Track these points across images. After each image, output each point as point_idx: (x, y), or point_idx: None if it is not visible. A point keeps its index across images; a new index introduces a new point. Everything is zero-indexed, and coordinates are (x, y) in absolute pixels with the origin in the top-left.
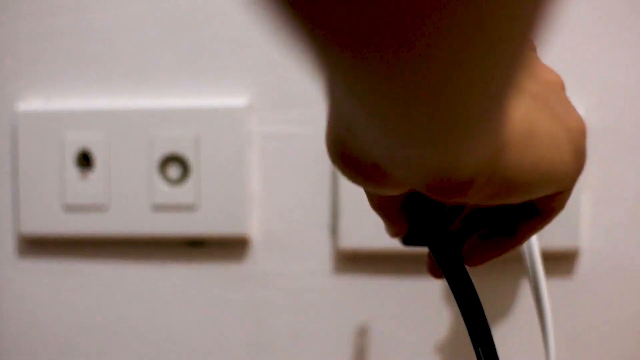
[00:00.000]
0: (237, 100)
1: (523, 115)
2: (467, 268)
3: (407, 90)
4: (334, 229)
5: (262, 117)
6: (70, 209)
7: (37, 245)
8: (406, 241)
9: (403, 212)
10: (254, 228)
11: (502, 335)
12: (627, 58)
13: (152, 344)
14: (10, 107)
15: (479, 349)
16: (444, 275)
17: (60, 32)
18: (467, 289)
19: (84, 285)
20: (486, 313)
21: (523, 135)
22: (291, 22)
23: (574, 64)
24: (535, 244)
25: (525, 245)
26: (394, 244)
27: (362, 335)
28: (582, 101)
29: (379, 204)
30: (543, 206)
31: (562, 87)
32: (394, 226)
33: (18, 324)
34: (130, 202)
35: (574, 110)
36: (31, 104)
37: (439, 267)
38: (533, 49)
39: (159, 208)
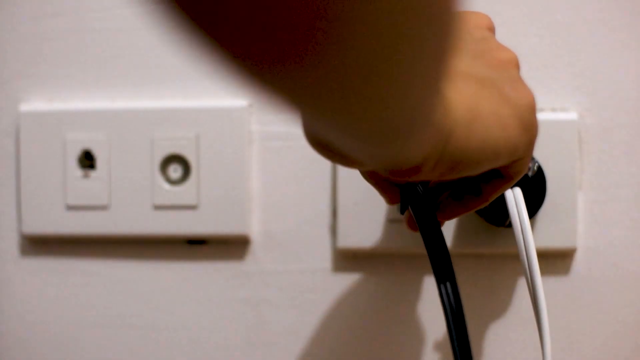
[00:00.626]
0: (237, 100)
1: (467, 101)
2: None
3: (330, 99)
4: (333, 229)
5: (262, 117)
6: (72, 208)
7: (40, 245)
8: (402, 209)
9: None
10: (254, 227)
11: (498, 333)
12: (622, 59)
13: (153, 342)
14: (12, 108)
15: (442, 286)
16: (418, 225)
17: (62, 32)
18: (437, 236)
19: (86, 284)
20: (483, 311)
21: (468, 119)
22: (211, 48)
23: (570, 64)
24: (531, 243)
25: (521, 243)
26: (393, 244)
27: (361, 334)
28: (578, 101)
29: (369, 175)
30: (504, 171)
31: (515, 65)
32: (386, 194)
33: (20, 322)
34: (132, 201)
35: (523, 87)
36: (33, 104)
37: (415, 221)
38: (482, 37)
39: (159, 207)
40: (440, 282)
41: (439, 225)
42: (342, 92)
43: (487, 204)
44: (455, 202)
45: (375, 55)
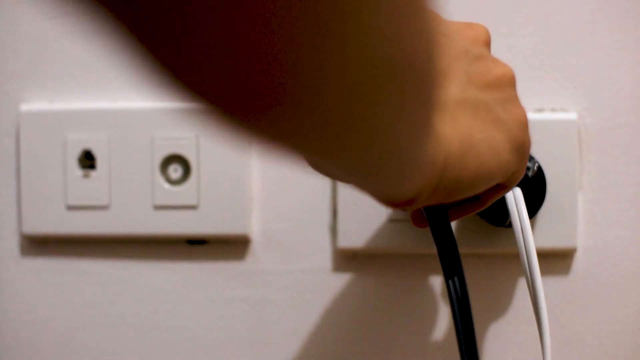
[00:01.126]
0: None
1: (461, 133)
2: None
3: (311, 145)
4: (333, 229)
5: None
6: (72, 208)
7: (40, 245)
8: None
9: None
10: (254, 227)
11: (499, 333)
12: (622, 59)
13: (154, 341)
14: (13, 107)
15: (450, 282)
16: (428, 221)
17: (62, 32)
18: (447, 232)
19: (86, 284)
20: (483, 311)
21: (461, 151)
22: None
23: (570, 64)
24: (531, 243)
25: (521, 243)
26: (393, 243)
27: (361, 334)
28: (577, 102)
29: None
30: (500, 182)
31: (510, 81)
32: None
33: (21, 322)
34: (132, 201)
35: (515, 106)
36: (34, 104)
37: (422, 218)
38: (478, 55)
39: (160, 207)
40: (448, 278)
41: (448, 221)
42: (321, 138)
43: (485, 207)
44: (457, 208)
45: (348, 104)
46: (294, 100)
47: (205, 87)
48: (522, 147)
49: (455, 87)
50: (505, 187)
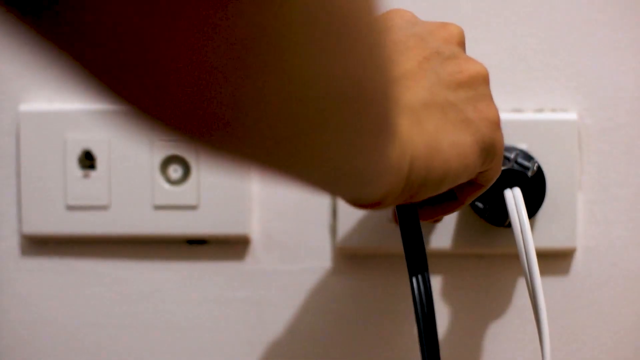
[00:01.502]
0: None
1: (427, 137)
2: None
3: (268, 161)
4: (333, 229)
5: None
6: (72, 208)
7: (40, 245)
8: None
9: None
10: (254, 227)
11: (498, 333)
12: (622, 59)
13: (154, 341)
14: (13, 107)
15: (414, 279)
16: (399, 221)
17: None
18: (416, 233)
19: (86, 284)
20: (483, 311)
21: (428, 154)
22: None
23: (570, 64)
24: (531, 243)
25: (521, 243)
26: (393, 244)
27: (361, 334)
28: (578, 101)
29: None
30: (473, 180)
31: (483, 80)
32: None
33: (21, 322)
34: (132, 201)
35: (486, 105)
36: (34, 104)
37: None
38: (450, 54)
39: (160, 207)
40: (412, 274)
41: (417, 219)
42: (272, 157)
43: (464, 206)
44: (434, 207)
45: (294, 130)
46: (238, 124)
47: (141, 101)
48: (491, 147)
49: (423, 89)
50: (481, 186)
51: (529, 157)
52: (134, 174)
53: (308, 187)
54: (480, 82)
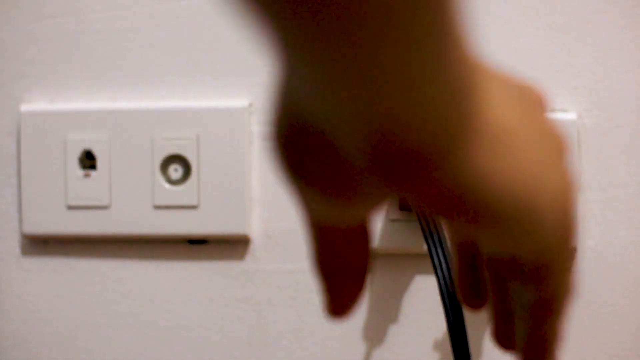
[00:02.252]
0: (237, 100)
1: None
2: None
3: None
4: None
5: (262, 117)
6: (73, 208)
7: (40, 245)
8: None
9: None
10: (254, 227)
11: None
12: (622, 59)
13: (154, 341)
14: (13, 108)
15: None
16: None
17: (63, 32)
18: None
19: (86, 284)
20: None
21: None
22: None
23: (569, 64)
24: None
25: None
26: (394, 244)
27: (361, 334)
28: (577, 102)
29: None
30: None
31: (540, 104)
32: None
33: (21, 322)
34: (132, 201)
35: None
36: (34, 104)
37: None
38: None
39: (160, 207)
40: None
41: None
42: None
43: None
44: None
45: None
46: None
47: None
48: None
49: None
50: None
51: None
52: (134, 174)
53: None
54: (537, 106)
